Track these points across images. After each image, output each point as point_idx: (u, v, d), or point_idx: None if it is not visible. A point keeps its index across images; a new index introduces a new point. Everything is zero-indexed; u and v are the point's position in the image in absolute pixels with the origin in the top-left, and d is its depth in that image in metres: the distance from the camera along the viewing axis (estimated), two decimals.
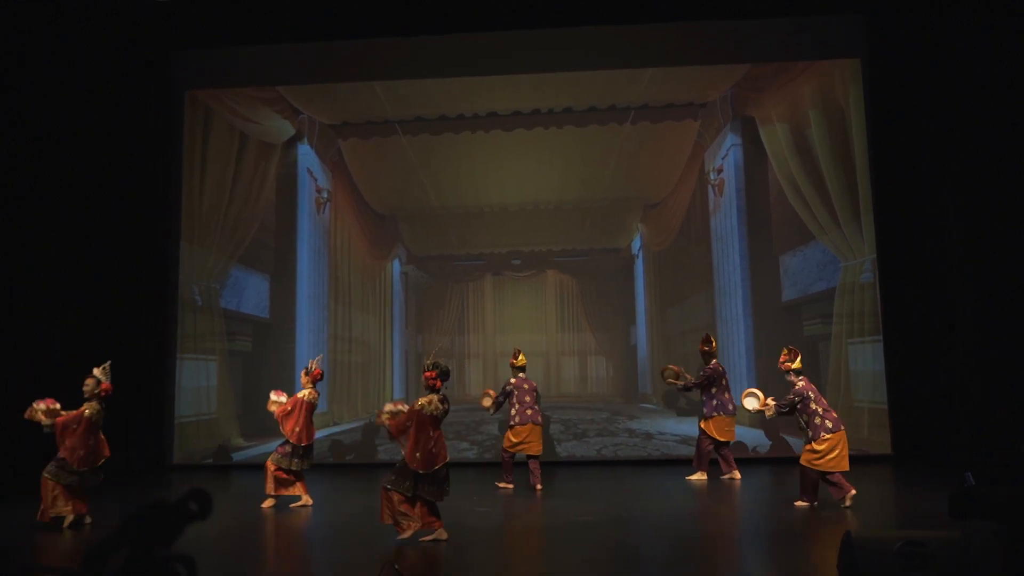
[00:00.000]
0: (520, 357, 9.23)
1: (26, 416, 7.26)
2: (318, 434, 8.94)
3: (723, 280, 11.29)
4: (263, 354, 11.52)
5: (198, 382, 11.42)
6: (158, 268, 11.38)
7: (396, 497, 6.17)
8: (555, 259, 11.80)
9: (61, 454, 7.14)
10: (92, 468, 7.20)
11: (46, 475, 7.11)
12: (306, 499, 8.01)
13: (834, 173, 11.01)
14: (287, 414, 8.00)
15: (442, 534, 6.23)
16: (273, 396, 8.37)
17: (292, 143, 11.87)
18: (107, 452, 7.36)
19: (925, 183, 10.37)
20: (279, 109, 11.84)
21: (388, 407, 6.36)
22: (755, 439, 10.77)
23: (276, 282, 11.72)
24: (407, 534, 6.16)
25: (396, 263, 11.95)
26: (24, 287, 10.03)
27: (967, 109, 9.76)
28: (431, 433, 6.18)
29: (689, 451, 9.93)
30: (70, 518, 7.12)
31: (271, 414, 8.30)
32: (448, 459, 6.31)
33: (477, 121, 11.73)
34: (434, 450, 6.17)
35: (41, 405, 7.30)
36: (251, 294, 11.69)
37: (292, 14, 10.98)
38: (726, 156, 11.44)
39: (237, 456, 11.22)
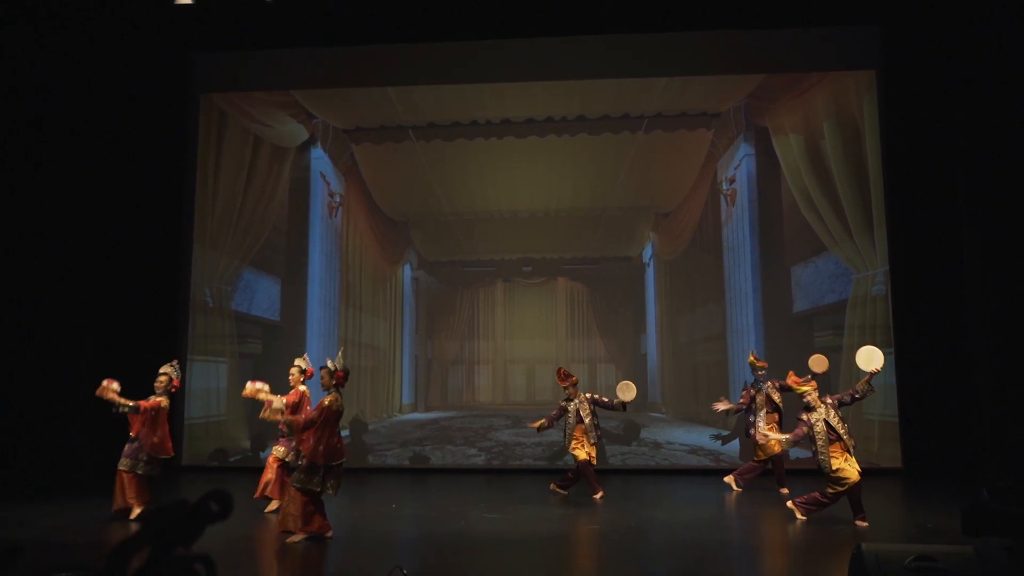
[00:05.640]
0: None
1: (98, 393, 7.45)
2: None
3: (734, 290, 11.26)
4: (273, 357, 11.51)
5: (208, 384, 11.45)
6: (170, 269, 11.41)
7: (301, 499, 6.46)
8: (566, 266, 11.79)
9: (143, 441, 7.47)
10: (159, 459, 7.61)
11: (121, 468, 7.47)
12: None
13: (847, 184, 10.97)
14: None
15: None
16: (259, 387, 7.69)
17: (305, 147, 11.92)
18: (171, 449, 7.77)
19: (938, 195, 10.33)
20: (293, 113, 11.89)
21: (277, 404, 6.88)
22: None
23: (287, 285, 11.75)
24: (299, 537, 6.48)
25: (407, 268, 11.97)
26: (36, 287, 10.08)
27: (982, 121, 9.72)
28: (335, 428, 6.59)
29: (698, 461, 9.89)
30: (137, 511, 7.44)
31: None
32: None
33: (490, 128, 11.75)
34: (338, 445, 6.58)
35: (115, 384, 7.53)
36: (262, 297, 11.73)
37: (307, 18, 11.03)
38: (739, 166, 11.41)
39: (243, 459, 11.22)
